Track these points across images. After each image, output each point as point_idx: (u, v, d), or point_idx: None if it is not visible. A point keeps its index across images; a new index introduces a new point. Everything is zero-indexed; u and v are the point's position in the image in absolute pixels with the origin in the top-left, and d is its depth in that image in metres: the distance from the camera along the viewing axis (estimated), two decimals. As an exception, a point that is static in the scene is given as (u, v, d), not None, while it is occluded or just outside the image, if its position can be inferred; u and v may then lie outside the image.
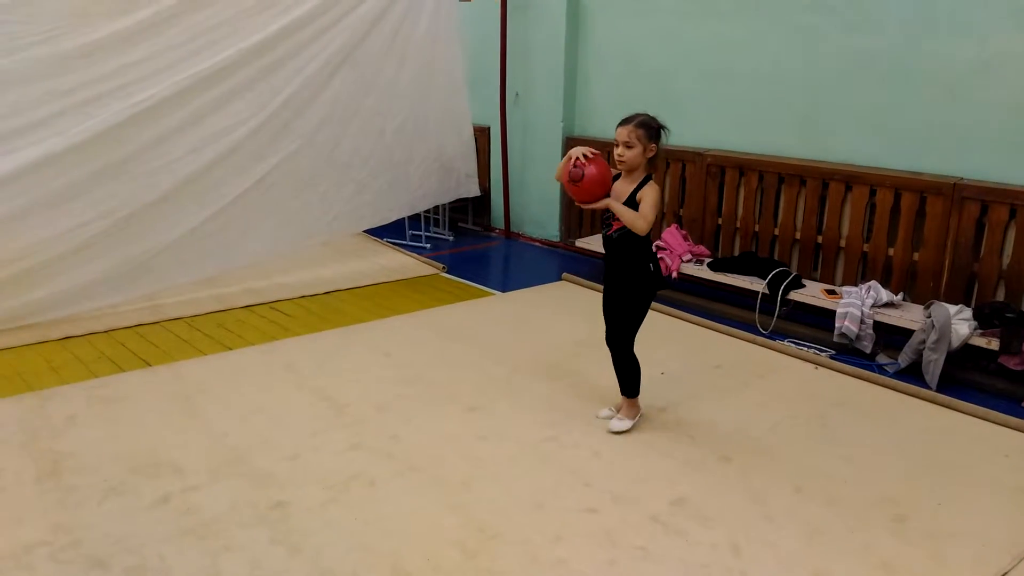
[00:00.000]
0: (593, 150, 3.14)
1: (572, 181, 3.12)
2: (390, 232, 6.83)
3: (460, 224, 7.48)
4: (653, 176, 3.20)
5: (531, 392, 3.82)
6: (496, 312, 5.11)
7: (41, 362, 4.06)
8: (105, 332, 4.48)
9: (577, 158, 3.10)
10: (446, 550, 2.59)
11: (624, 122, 3.14)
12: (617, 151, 3.14)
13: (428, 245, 6.81)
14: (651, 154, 3.15)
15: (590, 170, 3.09)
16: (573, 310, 5.07)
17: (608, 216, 3.21)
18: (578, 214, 6.66)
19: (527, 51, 6.70)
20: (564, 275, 5.77)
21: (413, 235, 6.92)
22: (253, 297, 5.17)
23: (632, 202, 3.13)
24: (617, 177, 3.22)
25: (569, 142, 6.56)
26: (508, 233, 7.20)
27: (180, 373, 3.96)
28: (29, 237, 4.34)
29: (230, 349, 4.32)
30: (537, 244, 6.98)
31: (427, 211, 6.89)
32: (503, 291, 5.58)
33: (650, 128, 3.12)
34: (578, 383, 3.92)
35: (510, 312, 5.09)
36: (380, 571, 2.47)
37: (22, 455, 3.12)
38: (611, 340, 3.42)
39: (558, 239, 6.85)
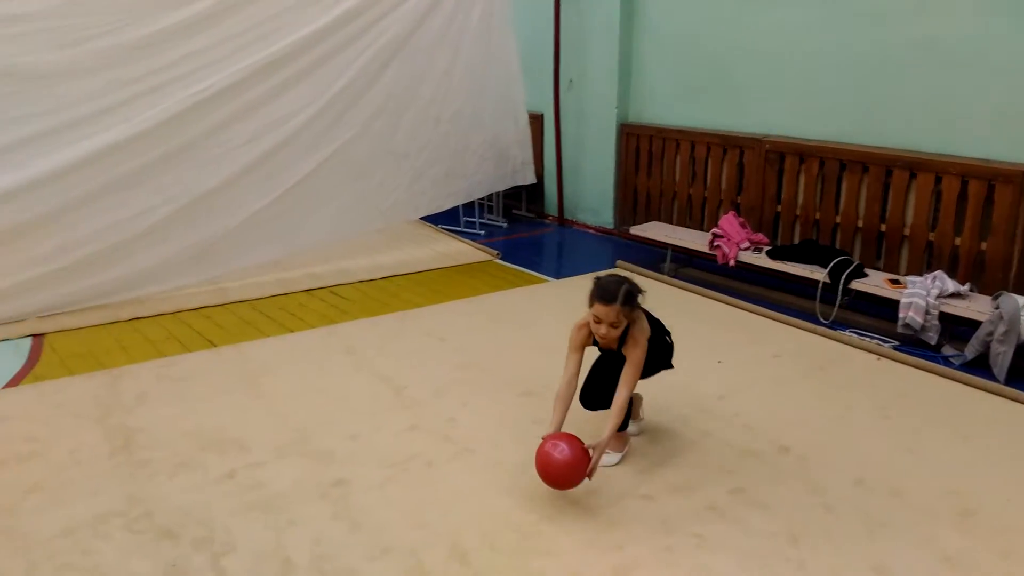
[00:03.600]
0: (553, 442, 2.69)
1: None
2: (445, 219, 6.89)
3: (514, 211, 7.50)
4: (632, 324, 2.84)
5: (584, 378, 3.82)
6: (550, 299, 5.12)
7: (112, 341, 4.21)
8: (172, 313, 4.63)
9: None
10: (503, 531, 2.62)
11: (604, 300, 2.75)
12: (601, 331, 2.79)
13: (482, 232, 6.85)
14: (633, 317, 2.83)
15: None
16: (628, 297, 5.04)
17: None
18: (632, 201, 6.63)
19: (581, 37, 6.67)
20: (618, 262, 5.75)
21: (467, 222, 6.96)
22: (314, 281, 5.27)
23: (621, 353, 2.86)
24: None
25: (623, 128, 6.52)
26: (562, 220, 7.20)
27: (244, 354, 4.07)
28: (99, 221, 4.51)
29: (292, 331, 4.42)
30: (591, 231, 6.97)
31: (481, 198, 6.93)
32: (556, 278, 5.59)
33: (633, 299, 2.80)
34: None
35: (564, 299, 5.10)
36: (439, 549, 2.52)
37: (96, 430, 3.25)
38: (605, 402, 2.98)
39: (612, 226, 6.82)
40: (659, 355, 3.06)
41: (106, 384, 3.68)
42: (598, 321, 2.79)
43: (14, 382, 3.72)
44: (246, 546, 2.51)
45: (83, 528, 2.60)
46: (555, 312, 4.79)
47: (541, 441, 2.72)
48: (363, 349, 4.14)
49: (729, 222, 5.29)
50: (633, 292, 2.81)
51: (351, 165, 5.40)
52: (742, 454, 3.13)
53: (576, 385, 2.91)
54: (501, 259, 5.99)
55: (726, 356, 4.09)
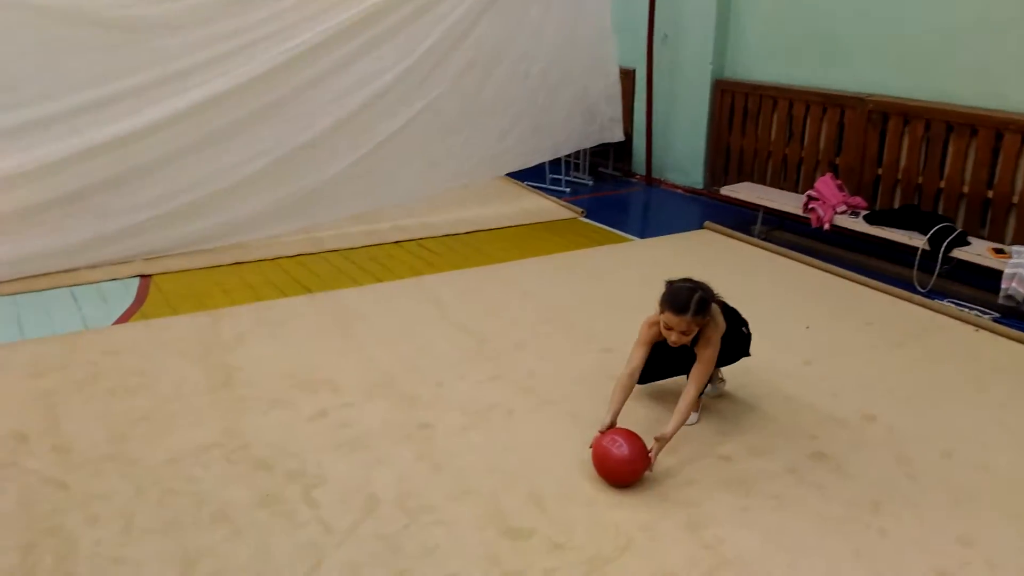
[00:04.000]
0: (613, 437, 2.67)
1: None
2: (530, 176, 6.90)
3: (600, 169, 7.44)
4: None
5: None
6: (634, 258, 5.10)
7: (213, 285, 4.44)
8: (271, 260, 4.82)
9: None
10: (580, 482, 2.68)
11: (675, 309, 2.71)
12: (671, 337, 2.75)
13: (568, 189, 6.83)
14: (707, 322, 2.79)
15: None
16: (714, 259, 4.98)
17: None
18: (724, 161, 6.48)
19: (678, -11, 6.50)
20: (706, 223, 5.65)
21: (553, 179, 6.95)
22: (402, 234, 5.40)
23: (693, 351, 2.83)
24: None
25: (718, 85, 6.35)
26: (649, 179, 7.10)
27: (337, 300, 4.22)
28: (199, 170, 4.71)
29: (381, 281, 4.55)
30: (679, 191, 6.86)
31: (568, 155, 6.89)
32: (641, 237, 5.55)
33: (706, 308, 2.75)
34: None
35: (648, 258, 5.07)
36: (517, 494, 2.59)
37: (198, 367, 3.45)
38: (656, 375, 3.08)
39: (701, 186, 6.69)
40: (735, 346, 3.05)
41: (208, 324, 3.89)
42: (668, 328, 2.74)
43: (123, 319, 3.97)
44: (335, 480, 2.65)
45: (186, 457, 2.79)
46: (638, 271, 4.78)
47: (598, 435, 2.70)
48: (448, 301, 4.23)
49: (826, 184, 5.12)
50: (706, 301, 2.75)
51: (440, 121, 5.45)
52: (825, 420, 3.09)
53: (637, 378, 2.88)
54: (586, 217, 5.97)
55: (815, 322, 4.00)
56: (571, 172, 7.18)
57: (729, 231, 5.45)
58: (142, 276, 4.48)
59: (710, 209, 6.24)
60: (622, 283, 4.56)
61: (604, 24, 6.19)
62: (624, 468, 2.63)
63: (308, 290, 4.39)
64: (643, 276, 4.67)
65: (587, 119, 6.37)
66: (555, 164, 6.93)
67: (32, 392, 3.19)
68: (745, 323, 3.11)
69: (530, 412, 3.13)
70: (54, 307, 4.07)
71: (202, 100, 4.55)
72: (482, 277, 4.64)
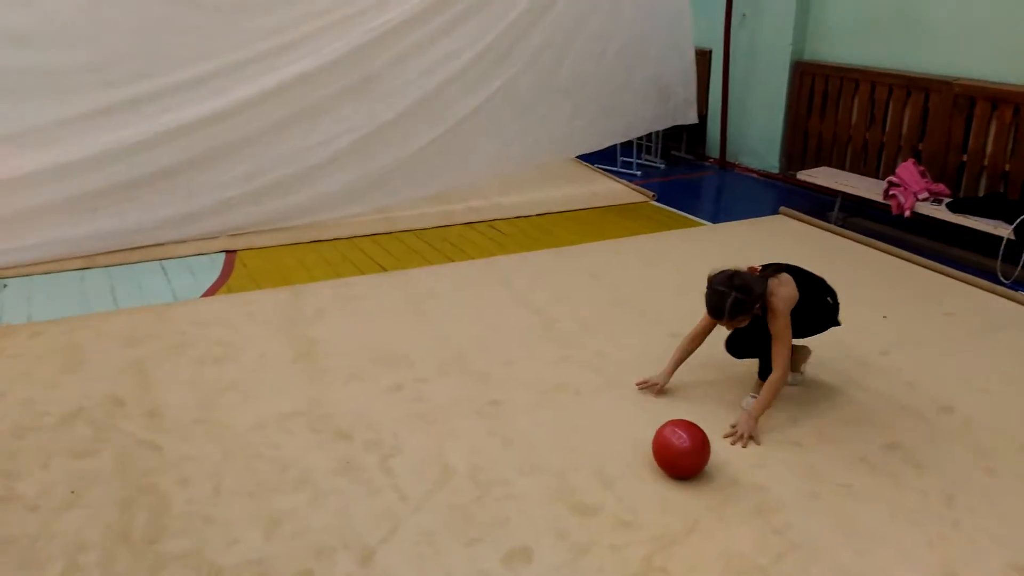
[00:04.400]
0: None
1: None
2: (601, 158, 6.89)
3: (673, 152, 7.37)
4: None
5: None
6: (705, 242, 5.06)
7: (294, 261, 4.60)
8: (347, 238, 4.97)
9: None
10: (647, 463, 2.70)
11: (716, 316, 2.86)
12: (725, 329, 2.99)
13: (639, 172, 6.81)
14: (757, 311, 2.83)
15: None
16: (789, 245, 4.91)
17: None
18: (802, 145, 6.34)
19: (759, -32, 6.36)
20: (782, 209, 5.56)
21: (624, 162, 6.93)
22: (474, 215, 5.48)
23: (764, 328, 2.87)
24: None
25: (798, 67, 6.22)
26: (723, 163, 7.01)
27: (410, 279, 4.33)
28: (285, 148, 4.88)
29: (453, 261, 4.64)
30: (754, 175, 6.75)
31: (639, 138, 6.85)
32: (714, 222, 5.50)
33: (743, 309, 2.78)
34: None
35: (720, 243, 5.02)
36: (585, 471, 2.65)
37: (281, 339, 3.60)
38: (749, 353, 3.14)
39: (777, 171, 6.58)
40: (820, 317, 3.04)
41: (289, 298, 4.04)
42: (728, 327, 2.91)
43: (210, 292, 4.17)
44: (411, 451, 2.75)
45: (270, 424, 2.93)
46: (710, 256, 4.70)
47: (661, 426, 2.67)
48: (518, 282, 4.29)
49: (907, 170, 4.98)
50: (742, 302, 2.76)
51: (515, 100, 5.50)
52: (901, 410, 3.04)
53: (700, 343, 3.09)
54: (657, 201, 5.94)
55: (893, 311, 3.92)
56: (643, 155, 7.14)
57: (805, 217, 5.35)
58: (227, 251, 4.68)
59: (786, 194, 6.13)
60: (693, 268, 4.49)
61: (682, 4, 6.13)
62: (684, 461, 2.61)
63: (383, 268, 4.52)
64: (715, 261, 4.57)
65: (661, 101, 6.32)
66: (626, 147, 6.91)
67: (126, 359, 3.39)
68: (831, 292, 3.10)
69: (597, 392, 3.18)
70: (145, 279, 4.29)
71: (289, 79, 4.70)
72: (552, 259, 4.69)
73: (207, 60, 4.51)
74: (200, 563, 2.24)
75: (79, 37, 4.27)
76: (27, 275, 4.29)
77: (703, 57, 6.86)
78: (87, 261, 4.43)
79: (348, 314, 3.88)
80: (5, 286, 4.17)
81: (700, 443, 2.61)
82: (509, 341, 3.61)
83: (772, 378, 2.85)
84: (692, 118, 6.59)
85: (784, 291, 2.85)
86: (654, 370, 3.30)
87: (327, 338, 3.61)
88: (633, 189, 6.19)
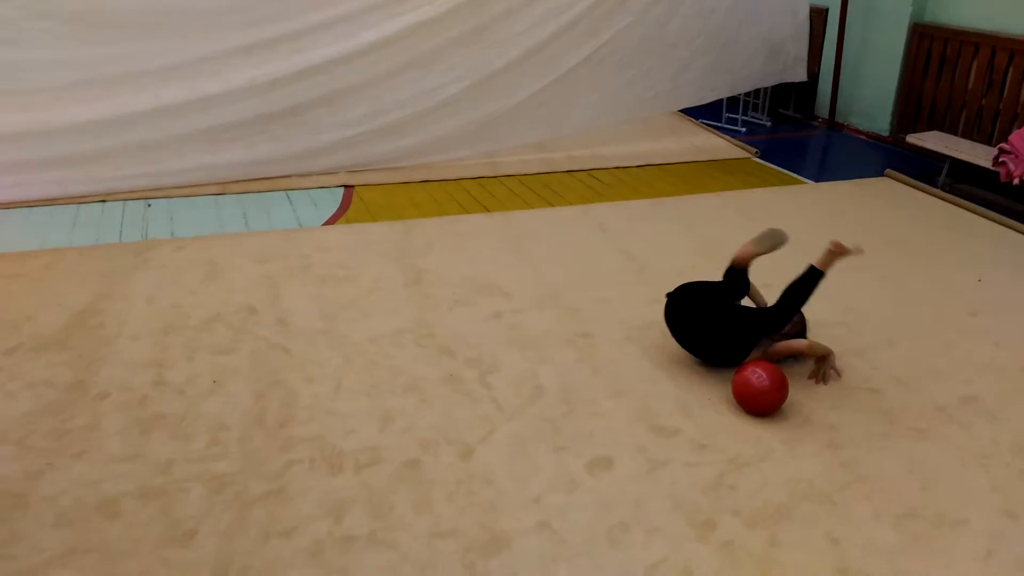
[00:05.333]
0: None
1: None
2: (706, 113, 6.91)
3: (780, 110, 7.30)
4: None
5: (830, 279, 3.86)
6: (806, 200, 5.10)
7: (406, 198, 4.92)
8: (454, 180, 5.25)
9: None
10: (726, 400, 2.89)
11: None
12: None
13: (743, 129, 6.80)
14: None
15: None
16: (893, 207, 4.90)
17: None
18: (914, 108, 6.20)
19: (883, -75, 6.19)
20: (887, 171, 5.51)
21: (729, 118, 6.93)
22: (574, 164, 5.66)
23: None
24: None
25: (916, 29, 6.06)
26: (832, 123, 6.92)
27: (511, 220, 4.58)
28: (400, 93, 5.17)
29: (552, 206, 4.86)
30: (862, 137, 6.65)
31: (746, 94, 6.84)
32: (817, 182, 5.51)
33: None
34: (887, 275, 3.90)
35: (822, 202, 5.05)
36: (667, 400, 2.86)
37: (394, 266, 3.93)
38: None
39: (887, 133, 6.46)
40: (747, 322, 3.03)
41: (401, 231, 4.36)
42: None
43: (330, 221, 4.53)
44: (507, 370, 3.03)
45: (384, 338, 3.25)
46: (809, 214, 4.80)
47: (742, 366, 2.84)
48: (613, 227, 4.48)
49: (1020, 137, 4.85)
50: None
51: (622, 53, 5.60)
52: (983, 367, 3.11)
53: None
54: (760, 158, 5.97)
55: (989, 276, 3.92)
56: (749, 112, 7.12)
57: (911, 180, 5.30)
58: (346, 186, 5.04)
59: (893, 157, 6.04)
60: (791, 223, 4.53)
61: (799, -40, 6.05)
62: (762, 399, 2.75)
63: (486, 209, 4.78)
64: (814, 218, 4.71)
65: (770, 57, 6.28)
66: (732, 102, 6.90)
67: (258, 274, 3.79)
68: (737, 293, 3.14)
69: (685, 333, 3.36)
70: (273, 207, 4.70)
71: (410, 25, 4.97)
72: (648, 209, 4.84)
73: (336, 5, 4.83)
74: (323, 446, 2.58)
75: (226, -21, 4.67)
76: (168, 197, 4.77)
77: (818, 15, 6.74)
78: (222, 187, 4.89)
79: (453, 248, 4.16)
80: (149, 205, 4.65)
81: (778, 382, 2.77)
82: (602, 281, 3.82)
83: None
84: (801, 76, 6.52)
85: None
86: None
87: (434, 268, 3.91)
88: (736, 145, 6.22)
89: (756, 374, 2.77)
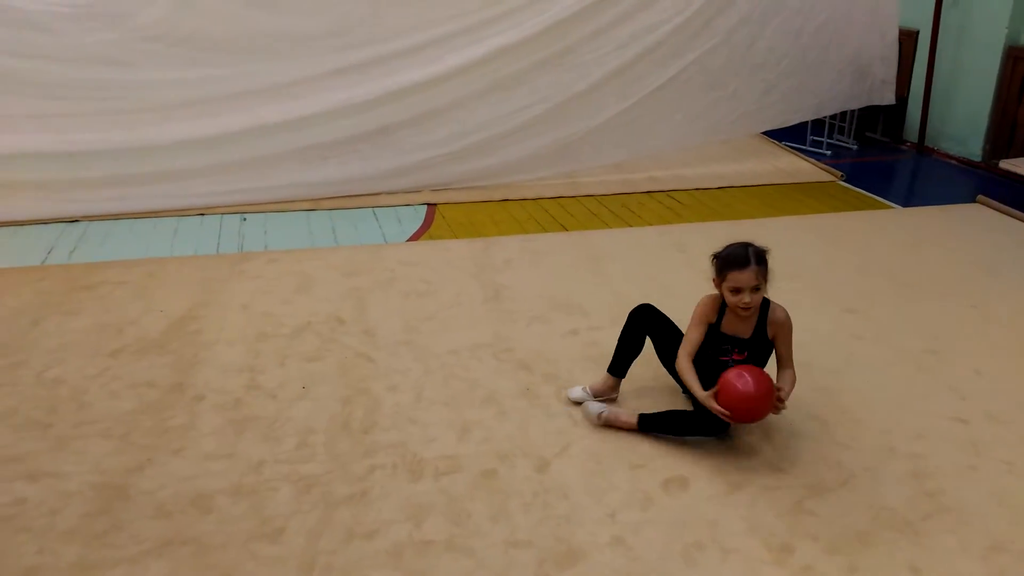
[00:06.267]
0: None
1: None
2: (789, 135, 6.82)
3: (867, 133, 7.15)
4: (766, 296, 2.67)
5: (916, 306, 3.80)
6: (892, 225, 4.98)
7: (486, 216, 5.03)
8: (533, 199, 5.34)
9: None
10: (806, 422, 2.87)
11: (738, 265, 2.58)
12: (743, 300, 2.57)
13: (828, 152, 6.69)
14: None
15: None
16: (984, 234, 4.75)
17: (728, 347, 2.71)
18: (1009, 133, 6.00)
19: (979, -55, 6.03)
20: (979, 197, 5.34)
21: (813, 140, 6.83)
22: (654, 184, 5.68)
23: (762, 339, 2.68)
24: (721, 313, 2.73)
25: (1011, 52, 5.87)
26: (921, 147, 6.74)
27: (589, 239, 4.63)
28: (484, 115, 5.30)
29: (631, 226, 4.89)
30: (953, 162, 6.45)
31: (832, 117, 6.73)
32: (904, 206, 5.37)
33: (764, 257, 2.63)
34: (977, 305, 3.79)
35: (909, 227, 4.93)
36: (744, 426, 2.84)
37: (473, 282, 4.02)
38: (639, 315, 2.98)
39: (979, 159, 6.25)
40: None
41: (481, 248, 4.46)
42: (737, 291, 2.58)
43: (414, 237, 4.67)
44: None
45: (463, 351, 3.34)
46: (897, 239, 4.70)
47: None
48: (693, 249, 4.47)
49: None
50: (763, 252, 2.63)
51: (707, 74, 5.61)
52: (1081, 402, 2.98)
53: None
54: (845, 181, 5.86)
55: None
56: (834, 135, 6.99)
57: (1004, 207, 5.12)
58: (429, 204, 5.18)
59: (985, 183, 5.85)
60: (878, 249, 4.52)
61: (890, -18, 5.95)
62: (745, 404, 2.49)
63: (565, 228, 4.84)
64: (902, 243, 4.61)
65: (857, 80, 6.18)
66: (817, 125, 6.80)
67: (346, 287, 3.93)
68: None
69: (765, 355, 3.34)
70: (360, 223, 4.87)
71: (495, 49, 5.10)
72: (729, 230, 4.79)
73: (428, 30, 5.01)
74: (405, 452, 2.67)
75: (322, 5, 4.90)
76: (263, 211, 5.00)
77: (908, 37, 6.60)
78: (313, 204, 5.10)
79: (532, 266, 4.23)
80: (245, 219, 4.89)
81: (764, 390, 2.48)
82: (680, 302, 3.76)
83: (791, 376, 2.69)
84: (889, 99, 6.38)
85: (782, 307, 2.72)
86: (824, 343, 3.43)
87: (513, 285, 3.98)
88: (821, 168, 6.13)
89: (742, 378, 2.49)
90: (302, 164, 5.07)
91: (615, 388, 2.97)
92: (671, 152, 5.89)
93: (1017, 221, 4.95)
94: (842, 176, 5.92)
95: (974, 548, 2.27)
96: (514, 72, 5.20)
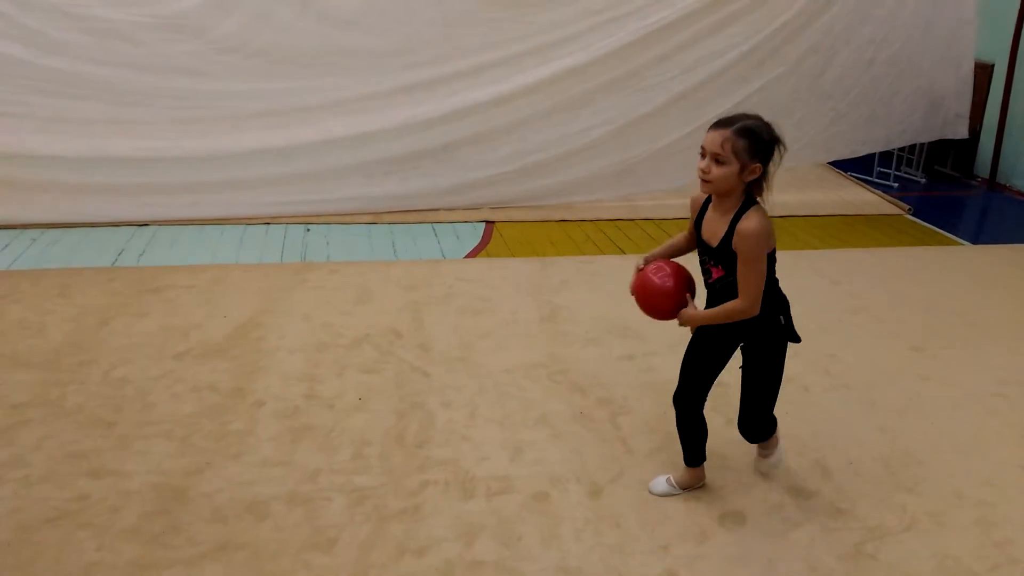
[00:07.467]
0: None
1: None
2: (856, 167, 6.69)
3: (936, 167, 6.97)
4: (758, 203, 2.27)
5: (986, 346, 3.68)
6: (960, 262, 4.84)
7: (543, 236, 5.04)
8: (591, 221, 5.34)
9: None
10: (868, 462, 2.79)
11: (718, 124, 2.19)
12: (702, 165, 2.21)
13: (895, 185, 6.54)
14: (752, 176, 2.21)
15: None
16: (1057, 275, 4.58)
17: (705, 257, 2.40)
18: (1090, 171, 5.78)
19: (1063, -22, 5.86)
20: (1053, 236, 5.16)
21: (880, 172, 6.68)
22: (714, 210, 5.61)
23: (727, 247, 2.26)
24: (706, 206, 2.37)
25: (1097, 87, 5.67)
26: (992, 183, 6.54)
27: (648, 263, 4.60)
28: (547, 135, 5.33)
29: (690, 251, 4.84)
30: (1026, 199, 6.25)
31: (900, 149, 6.58)
32: (973, 243, 5.22)
33: (755, 140, 2.17)
34: (1046, 349, 3.65)
35: (978, 265, 4.78)
36: (806, 460, 2.78)
37: (530, 301, 4.02)
38: (683, 399, 2.54)
39: (1055, 197, 6.05)
40: (772, 350, 2.45)
41: (538, 268, 4.47)
42: (703, 156, 2.21)
43: (472, 254, 4.71)
44: (638, 412, 3.04)
45: (518, 370, 3.34)
46: (964, 276, 4.56)
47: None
48: (755, 278, 4.40)
49: None
50: (754, 131, 2.16)
51: (773, 101, 5.54)
52: None
53: (680, 251, 2.55)
54: (912, 215, 5.71)
55: None
56: (902, 167, 6.84)
57: (1081, 247, 4.94)
58: (487, 222, 5.22)
59: (1061, 223, 5.65)
60: (945, 285, 4.40)
61: (967, 11, 5.80)
62: (652, 298, 2.41)
63: (621, 251, 4.82)
64: (971, 282, 4.47)
65: (929, 112, 6.04)
66: (885, 157, 6.66)
67: (404, 300, 3.97)
68: (785, 307, 2.51)
69: (826, 392, 3.26)
70: (419, 238, 4.93)
71: (562, 71, 5.14)
72: (792, 260, 4.70)
73: (494, 50, 5.07)
74: (457, 470, 2.67)
75: (392, 23, 5.00)
76: (326, 223, 5.09)
77: (983, 70, 6.43)
78: (374, 217, 5.18)
79: (588, 288, 4.22)
80: (308, 230, 4.98)
81: (678, 287, 2.38)
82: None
83: (733, 304, 2.29)
84: (962, 133, 6.21)
85: (763, 215, 2.26)
86: (887, 378, 3.35)
87: (569, 305, 3.97)
88: (887, 200, 5.99)
89: (662, 272, 2.38)
90: (366, 178, 5.16)
91: (701, 477, 2.62)
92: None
93: (1095, 263, 4.76)
94: (909, 210, 5.78)
95: (1046, 605, 2.17)
96: (578, 93, 5.22)
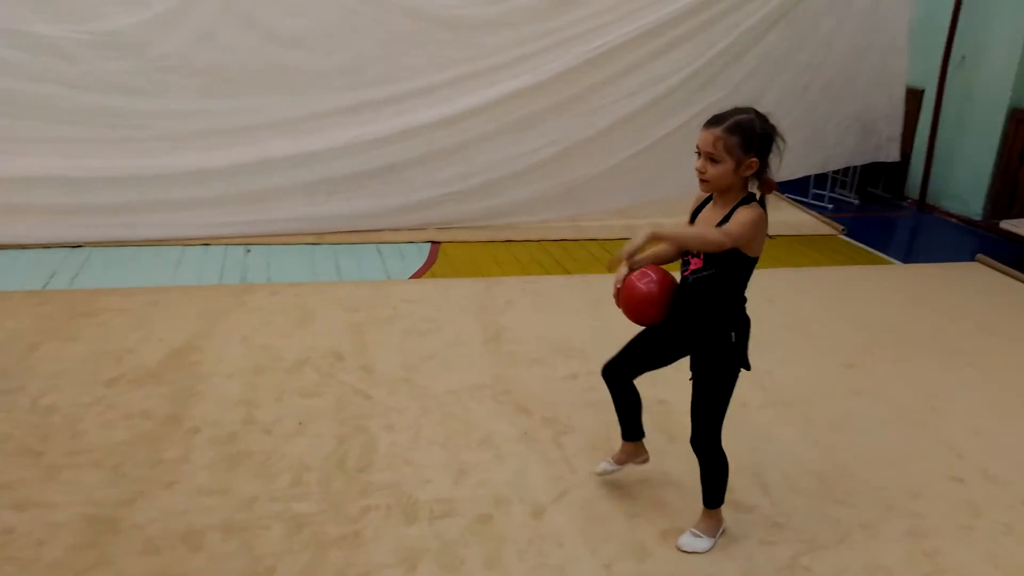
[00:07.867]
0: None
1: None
2: (792, 188, 6.88)
3: (869, 189, 7.21)
4: (756, 200, 2.26)
5: (915, 362, 3.80)
6: (892, 281, 5.00)
7: (488, 256, 5.05)
8: (537, 241, 5.37)
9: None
10: (804, 477, 2.85)
11: (710, 123, 2.18)
12: (698, 164, 2.21)
13: (830, 206, 6.74)
14: (749, 172, 2.20)
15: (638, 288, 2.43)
16: (983, 293, 4.76)
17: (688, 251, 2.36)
18: (1010, 194, 6.05)
19: (985, 8, 6.14)
20: (979, 256, 5.37)
21: (815, 194, 6.88)
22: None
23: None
24: (706, 203, 2.37)
25: (1015, 114, 5.95)
26: (922, 205, 6.79)
27: (591, 283, 4.64)
28: (492, 156, 5.36)
29: (633, 271, 4.90)
30: (953, 220, 6.50)
31: (835, 172, 6.79)
32: (904, 262, 5.40)
33: (747, 135, 2.16)
34: (975, 363, 3.79)
35: (908, 284, 4.95)
36: (743, 479, 2.81)
37: (474, 321, 4.02)
38: (610, 370, 2.70)
39: (979, 218, 6.30)
40: (722, 374, 2.46)
41: (483, 288, 4.48)
42: (698, 154, 2.22)
43: (417, 275, 4.69)
44: (582, 431, 3.05)
45: (462, 391, 3.33)
46: (895, 294, 4.71)
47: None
48: (696, 297, 4.48)
49: None
50: (748, 127, 2.15)
51: (711, 126, 5.67)
52: (1081, 467, 2.97)
53: (669, 258, 2.51)
54: (846, 235, 5.89)
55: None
56: (836, 189, 7.06)
57: (1004, 267, 5.14)
58: (433, 242, 5.21)
59: (985, 242, 5.88)
60: (876, 303, 4.54)
61: (899, 42, 6.04)
62: (639, 304, 2.46)
63: (566, 271, 4.86)
64: (902, 299, 4.62)
65: (863, 136, 6.26)
66: (820, 179, 6.86)
67: (347, 322, 3.93)
68: (742, 326, 2.49)
69: (763, 408, 3.33)
70: (363, 258, 4.90)
71: (507, 93, 5.18)
72: (731, 280, 4.82)
73: (440, 71, 5.10)
74: (400, 494, 2.65)
75: (339, 43, 4.99)
76: (267, 244, 5.02)
77: (913, 96, 6.69)
78: (317, 238, 5.13)
79: (533, 308, 4.24)
80: (249, 251, 4.90)
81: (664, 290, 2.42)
82: (681, 350, 3.81)
83: (707, 230, 2.24)
84: (894, 156, 6.46)
85: (757, 209, 2.23)
86: (821, 395, 3.43)
87: (513, 326, 3.99)
88: (822, 221, 6.17)
89: (646, 278, 2.41)
90: (309, 198, 5.11)
91: (639, 451, 2.69)
92: (676, 199, 5.92)
93: (1016, 281, 4.97)
94: (843, 230, 5.96)
95: (972, 614, 2.24)
96: (524, 115, 5.26)
